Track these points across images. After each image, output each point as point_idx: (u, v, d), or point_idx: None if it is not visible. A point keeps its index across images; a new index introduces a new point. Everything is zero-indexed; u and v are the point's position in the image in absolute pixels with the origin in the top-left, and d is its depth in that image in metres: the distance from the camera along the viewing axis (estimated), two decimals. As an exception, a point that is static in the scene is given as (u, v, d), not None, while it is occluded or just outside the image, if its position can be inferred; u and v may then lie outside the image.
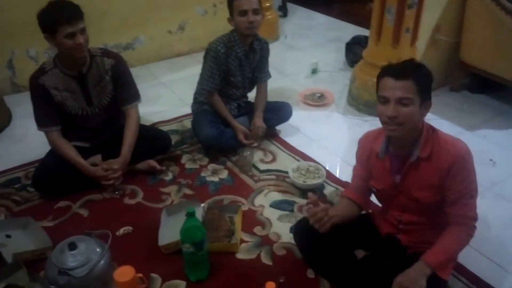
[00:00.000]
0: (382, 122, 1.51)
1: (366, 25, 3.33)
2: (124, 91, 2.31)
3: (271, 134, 2.79)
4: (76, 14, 1.99)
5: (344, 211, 1.73)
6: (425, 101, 1.48)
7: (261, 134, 2.62)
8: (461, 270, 1.83)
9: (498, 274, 1.86)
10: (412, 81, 1.44)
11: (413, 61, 1.53)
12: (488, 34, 2.92)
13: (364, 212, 1.84)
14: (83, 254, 1.68)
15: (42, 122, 2.21)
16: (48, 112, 2.20)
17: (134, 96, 2.36)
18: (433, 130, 1.56)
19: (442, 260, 1.52)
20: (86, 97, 2.23)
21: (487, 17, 2.87)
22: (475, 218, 1.56)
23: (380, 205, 1.85)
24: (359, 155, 1.76)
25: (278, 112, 2.78)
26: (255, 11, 2.38)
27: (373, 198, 1.84)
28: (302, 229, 1.84)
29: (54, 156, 2.26)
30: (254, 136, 2.62)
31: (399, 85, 1.43)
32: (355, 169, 1.81)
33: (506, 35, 2.80)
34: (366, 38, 3.48)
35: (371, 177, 1.72)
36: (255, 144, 2.68)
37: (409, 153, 1.56)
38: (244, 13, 2.37)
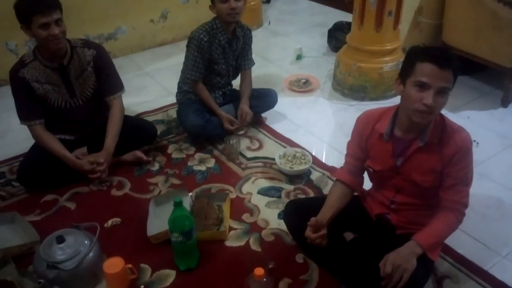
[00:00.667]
0: (412, 108, 1.45)
1: (349, 10, 3.32)
2: (106, 82, 2.29)
3: (257, 121, 2.79)
4: (51, 4, 1.96)
5: (338, 206, 1.71)
6: (451, 91, 1.47)
7: (248, 120, 2.62)
8: (447, 250, 1.86)
9: (483, 253, 1.90)
10: (452, 71, 1.41)
11: (450, 50, 1.52)
12: (469, 16, 2.94)
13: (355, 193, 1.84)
14: (72, 247, 1.68)
15: (24, 115, 2.19)
16: (30, 106, 2.17)
17: (117, 86, 2.34)
18: (441, 115, 1.56)
19: (432, 243, 1.55)
20: (69, 89, 2.21)
21: (468, -2, 2.89)
22: (466, 205, 1.59)
23: (369, 186, 1.85)
24: (358, 133, 1.71)
25: (264, 99, 2.78)
26: None
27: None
28: (291, 211, 1.86)
29: (38, 150, 2.24)
30: (241, 122, 2.61)
31: (443, 75, 1.40)
32: (349, 147, 1.77)
33: (487, 16, 2.82)
34: (348, 24, 3.48)
35: (368, 156, 1.71)
36: (241, 132, 2.69)
37: (415, 137, 1.56)
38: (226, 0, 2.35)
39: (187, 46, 2.54)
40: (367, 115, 1.70)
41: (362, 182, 1.82)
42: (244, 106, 2.62)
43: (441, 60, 1.40)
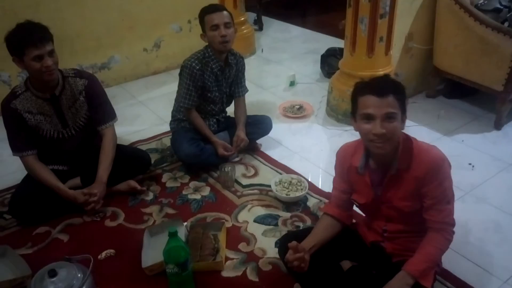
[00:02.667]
0: (368, 140, 1.52)
1: (341, 36, 3.39)
2: (98, 111, 2.29)
3: (253, 148, 2.80)
4: (43, 36, 1.97)
5: (323, 235, 1.72)
6: (404, 114, 1.52)
7: (242, 146, 2.62)
8: (446, 275, 1.85)
9: (482, 277, 1.88)
10: (393, 96, 1.46)
11: (387, 76, 1.57)
12: (458, 41, 3.00)
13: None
14: (64, 281, 1.64)
15: (16, 147, 2.18)
16: (22, 137, 2.16)
17: (109, 115, 2.34)
18: (408, 139, 1.59)
19: (423, 268, 1.53)
20: (61, 119, 2.21)
21: (456, 24, 2.96)
22: (452, 224, 1.58)
23: (363, 216, 1.86)
24: (338, 169, 1.77)
25: (259, 126, 2.79)
26: (227, 25, 2.41)
27: (356, 208, 1.85)
28: (286, 243, 1.83)
29: (30, 181, 2.22)
30: (234, 147, 2.62)
31: (384, 102, 1.46)
32: (335, 181, 1.81)
33: (475, 41, 2.88)
34: (340, 49, 3.54)
35: (353, 191, 1.73)
36: (237, 159, 2.69)
37: (387, 166, 1.58)
38: (216, 27, 2.39)
39: (180, 74, 2.57)
40: (343, 149, 1.76)
41: (351, 216, 1.83)
42: (241, 133, 2.63)
43: (378, 89, 1.47)
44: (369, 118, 1.48)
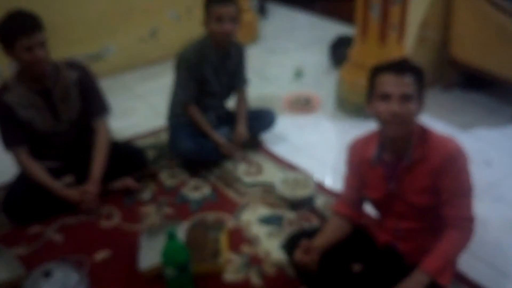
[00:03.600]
0: (384, 122, 1.55)
1: (350, 21, 3.38)
2: (91, 103, 2.32)
3: (255, 144, 2.82)
4: (34, 26, 1.99)
5: (333, 236, 1.74)
6: (421, 100, 1.55)
7: (242, 140, 2.65)
8: (462, 278, 1.87)
9: (498, 280, 1.91)
10: (411, 76, 1.51)
11: (407, 59, 1.60)
12: (475, 29, 3.01)
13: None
14: (59, 282, 1.69)
15: (8, 141, 2.21)
16: (14, 131, 2.19)
17: (102, 108, 2.37)
18: (423, 130, 1.61)
19: (438, 265, 1.54)
20: (53, 113, 2.24)
21: (473, 12, 2.97)
22: (470, 219, 1.59)
23: (374, 215, 1.89)
24: (350, 164, 1.80)
25: (261, 120, 2.81)
26: (233, 20, 2.41)
27: (366, 209, 1.87)
28: (294, 245, 1.86)
29: (24, 179, 2.26)
30: (237, 144, 2.64)
31: (401, 81, 1.50)
32: (345, 179, 1.84)
33: (493, 29, 2.90)
34: (349, 38, 3.54)
35: (365, 186, 1.76)
36: (242, 161, 2.71)
37: (402, 156, 1.61)
38: (220, 20, 2.39)
39: (176, 67, 2.58)
40: (354, 144, 1.79)
41: (361, 215, 1.85)
42: (240, 128, 2.65)
43: (396, 67, 1.53)
44: (386, 97, 1.52)
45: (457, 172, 1.56)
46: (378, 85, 1.55)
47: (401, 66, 1.53)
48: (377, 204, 1.79)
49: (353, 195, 1.80)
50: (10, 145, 2.21)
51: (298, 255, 1.63)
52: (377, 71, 1.57)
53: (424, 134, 1.60)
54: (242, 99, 2.76)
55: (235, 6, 2.43)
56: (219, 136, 2.62)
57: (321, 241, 1.70)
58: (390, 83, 1.51)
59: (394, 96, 1.50)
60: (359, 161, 1.73)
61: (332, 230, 1.76)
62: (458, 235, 1.59)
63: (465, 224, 1.59)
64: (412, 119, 1.55)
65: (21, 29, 1.97)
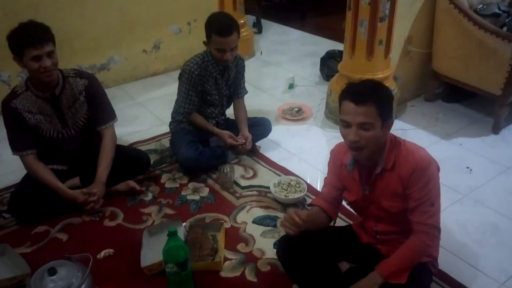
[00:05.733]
0: (346, 145, 1.57)
1: (340, 39, 3.41)
2: (98, 111, 2.31)
3: (252, 150, 2.81)
4: (43, 36, 1.99)
5: (314, 217, 1.76)
6: (386, 121, 1.53)
7: (249, 145, 2.63)
8: (443, 276, 1.87)
9: (479, 279, 1.91)
10: (372, 105, 1.48)
11: (373, 82, 1.58)
12: (457, 45, 3.04)
13: (346, 224, 1.87)
14: (64, 279, 1.65)
15: (16, 146, 2.19)
16: (22, 136, 2.18)
17: (109, 116, 2.36)
18: (396, 140, 1.61)
19: (393, 270, 1.55)
20: (61, 119, 2.23)
21: (455, 28, 2.99)
22: (434, 226, 1.57)
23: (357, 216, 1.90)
24: (331, 165, 1.81)
25: (258, 128, 2.81)
26: (233, 49, 2.42)
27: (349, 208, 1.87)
28: (284, 245, 1.86)
29: (30, 181, 2.24)
30: (245, 149, 2.64)
31: (360, 111, 1.48)
32: (326, 178, 1.85)
33: (474, 45, 2.92)
34: (340, 52, 3.57)
35: (344, 188, 1.77)
36: (235, 161, 2.71)
37: (375, 164, 1.61)
38: (221, 50, 2.40)
39: (179, 78, 2.59)
40: (337, 147, 1.80)
41: (337, 213, 1.87)
42: (245, 132, 2.66)
43: (357, 97, 1.49)
44: (346, 124, 1.52)
45: (426, 182, 1.54)
46: (342, 111, 1.54)
47: (361, 96, 1.48)
48: (355, 207, 1.81)
49: (331, 193, 1.81)
50: (17, 149, 2.20)
51: (288, 219, 1.65)
52: (342, 95, 1.55)
53: (396, 144, 1.60)
54: (241, 107, 2.76)
55: (236, 34, 2.40)
56: (221, 131, 2.63)
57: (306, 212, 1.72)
58: (350, 112, 1.50)
59: (353, 125, 1.49)
60: (339, 165, 1.75)
61: (312, 214, 1.78)
62: (418, 241, 1.58)
63: (429, 231, 1.57)
64: (373, 144, 1.53)
65: (30, 39, 1.96)
